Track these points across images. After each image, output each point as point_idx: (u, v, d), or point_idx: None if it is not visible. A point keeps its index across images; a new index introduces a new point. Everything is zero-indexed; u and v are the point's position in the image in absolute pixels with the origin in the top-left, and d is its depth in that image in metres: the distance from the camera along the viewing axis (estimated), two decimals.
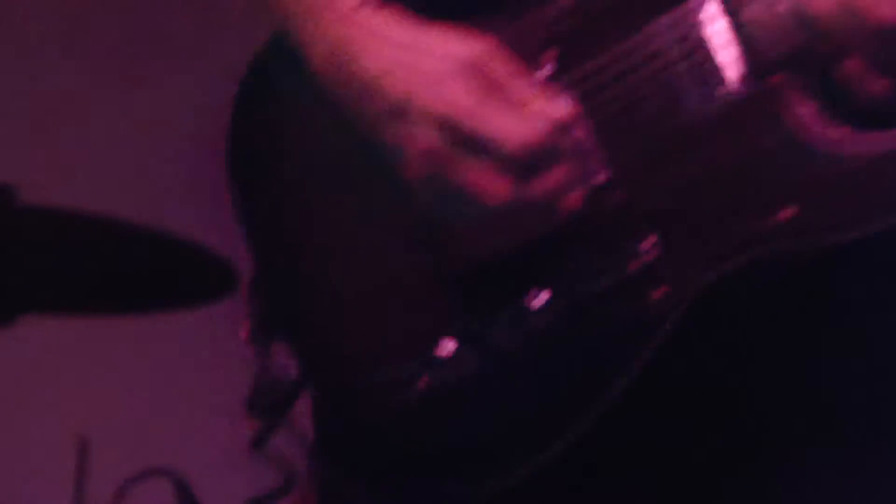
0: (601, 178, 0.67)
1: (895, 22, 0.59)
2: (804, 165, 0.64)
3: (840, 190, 0.63)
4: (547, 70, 0.68)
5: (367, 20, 0.68)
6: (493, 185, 0.63)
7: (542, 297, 0.68)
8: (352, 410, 0.78)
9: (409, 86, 0.65)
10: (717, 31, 0.65)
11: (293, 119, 0.79)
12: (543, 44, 0.69)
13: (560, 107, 0.65)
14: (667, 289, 0.65)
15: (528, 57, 0.68)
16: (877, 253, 0.67)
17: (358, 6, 0.69)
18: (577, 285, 0.67)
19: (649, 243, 0.66)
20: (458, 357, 0.70)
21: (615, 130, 0.67)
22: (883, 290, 0.71)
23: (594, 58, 0.67)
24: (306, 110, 0.75)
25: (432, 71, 0.65)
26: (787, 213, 0.64)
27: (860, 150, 0.63)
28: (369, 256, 0.76)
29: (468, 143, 0.63)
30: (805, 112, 0.63)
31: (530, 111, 0.64)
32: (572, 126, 0.65)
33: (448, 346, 0.70)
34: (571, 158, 0.65)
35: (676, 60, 0.66)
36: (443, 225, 0.69)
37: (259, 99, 0.81)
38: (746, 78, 0.64)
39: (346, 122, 0.69)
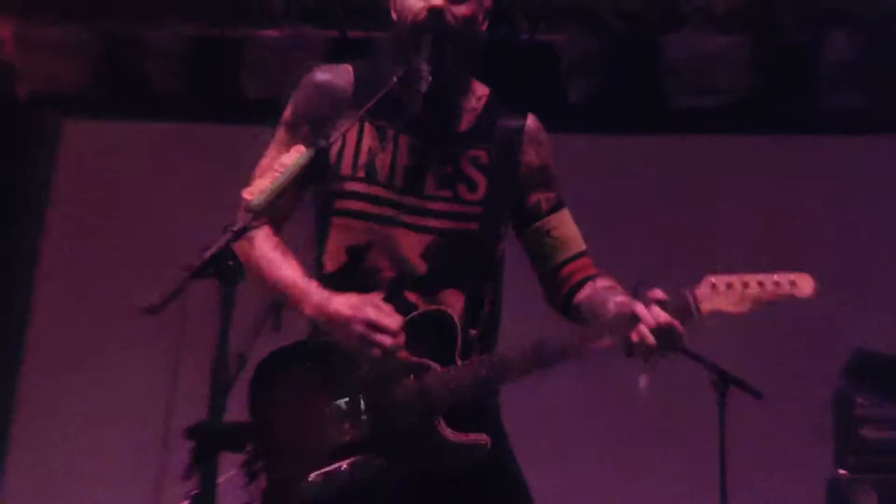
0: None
1: None
2: None
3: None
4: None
5: (320, 295, 1.72)
6: (385, 341, 1.61)
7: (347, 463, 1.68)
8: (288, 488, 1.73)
9: (347, 311, 1.64)
10: None
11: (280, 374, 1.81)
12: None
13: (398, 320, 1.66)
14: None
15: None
16: None
17: (306, 288, 1.74)
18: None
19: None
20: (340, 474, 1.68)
21: None
22: None
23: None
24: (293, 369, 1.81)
25: (357, 303, 1.65)
26: None
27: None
28: (310, 423, 1.76)
29: (375, 328, 1.61)
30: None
31: (393, 319, 1.63)
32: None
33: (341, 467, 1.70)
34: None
35: None
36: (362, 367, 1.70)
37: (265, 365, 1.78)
38: None
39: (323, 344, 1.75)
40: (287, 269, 1.82)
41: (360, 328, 1.67)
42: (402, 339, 1.70)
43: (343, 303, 1.73)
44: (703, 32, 4.09)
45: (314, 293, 1.77)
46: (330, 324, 1.73)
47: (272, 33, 4.15)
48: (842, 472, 3.38)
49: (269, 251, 1.83)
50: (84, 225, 4.51)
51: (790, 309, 3.10)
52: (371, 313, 1.67)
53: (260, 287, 1.84)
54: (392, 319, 1.70)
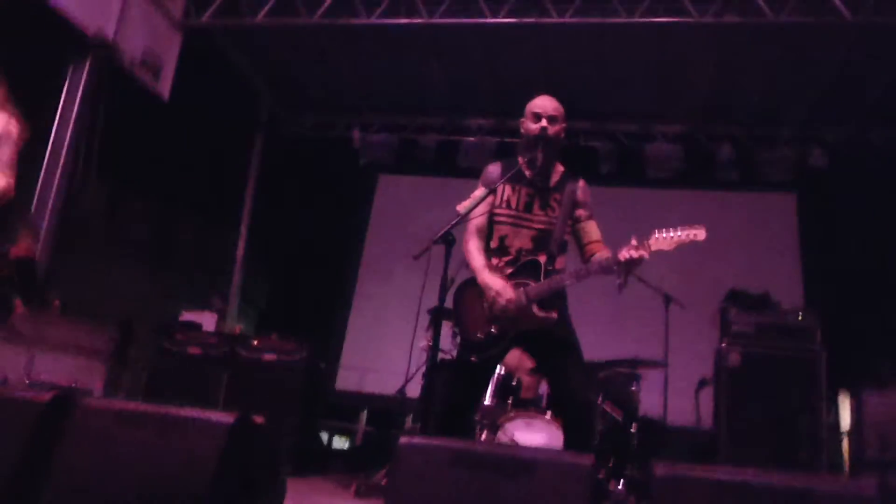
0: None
1: None
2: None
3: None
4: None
5: (485, 272, 3.01)
6: (507, 300, 2.93)
7: (494, 327, 2.99)
8: (469, 340, 3.04)
9: (493, 285, 2.98)
10: None
11: (466, 289, 3.14)
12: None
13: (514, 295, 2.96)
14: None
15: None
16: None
17: (482, 270, 3.02)
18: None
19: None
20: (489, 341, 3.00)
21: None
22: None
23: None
24: (471, 291, 3.11)
25: (497, 282, 2.98)
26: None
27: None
28: (478, 314, 3.01)
29: (498, 294, 2.94)
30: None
31: (509, 293, 2.96)
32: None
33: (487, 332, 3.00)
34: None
35: None
36: (495, 305, 2.97)
37: (459, 288, 3.18)
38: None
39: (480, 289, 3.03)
40: (477, 258, 3.02)
41: (491, 294, 2.86)
42: (511, 298, 2.84)
43: (490, 279, 2.90)
44: (660, 144, 7.42)
45: (482, 272, 2.96)
46: (483, 287, 2.93)
47: (473, 139, 7.97)
48: (723, 344, 5.01)
49: (474, 249, 3.06)
50: (384, 219, 8.61)
51: (706, 272, 5.95)
52: (498, 290, 2.86)
53: (465, 255, 3.09)
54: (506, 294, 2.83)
